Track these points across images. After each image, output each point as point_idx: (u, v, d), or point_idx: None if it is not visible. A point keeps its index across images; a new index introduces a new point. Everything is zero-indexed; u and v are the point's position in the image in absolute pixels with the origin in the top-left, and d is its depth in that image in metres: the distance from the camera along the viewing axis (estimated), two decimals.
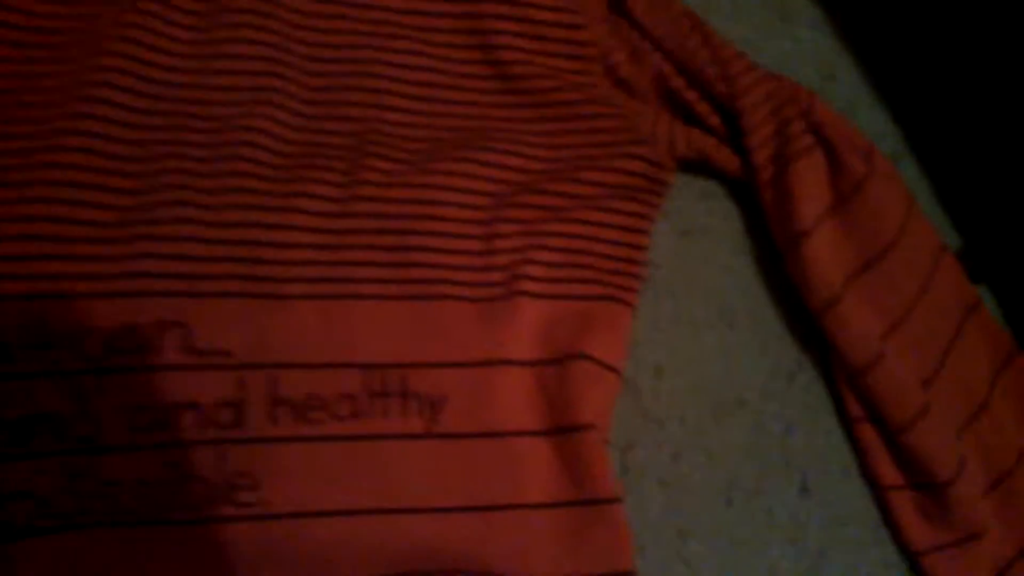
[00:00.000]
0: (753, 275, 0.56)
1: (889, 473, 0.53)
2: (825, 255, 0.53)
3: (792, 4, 0.64)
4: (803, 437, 0.53)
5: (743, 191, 0.57)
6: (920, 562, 0.52)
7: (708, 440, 0.52)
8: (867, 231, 0.54)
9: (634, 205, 0.54)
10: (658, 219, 0.55)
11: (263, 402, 0.45)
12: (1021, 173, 0.58)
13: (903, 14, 0.63)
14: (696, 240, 0.57)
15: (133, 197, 0.47)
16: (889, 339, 0.53)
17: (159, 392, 0.44)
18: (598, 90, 0.56)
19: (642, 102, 0.56)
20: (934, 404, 0.52)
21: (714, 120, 0.56)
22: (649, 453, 0.51)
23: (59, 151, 0.46)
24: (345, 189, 0.49)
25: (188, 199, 0.47)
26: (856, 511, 0.53)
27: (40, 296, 0.44)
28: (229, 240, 0.47)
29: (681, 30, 0.56)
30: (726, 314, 0.55)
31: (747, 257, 0.57)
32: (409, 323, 0.48)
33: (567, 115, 0.55)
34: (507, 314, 0.49)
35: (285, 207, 0.48)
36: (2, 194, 0.45)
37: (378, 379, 0.46)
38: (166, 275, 0.45)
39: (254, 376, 0.45)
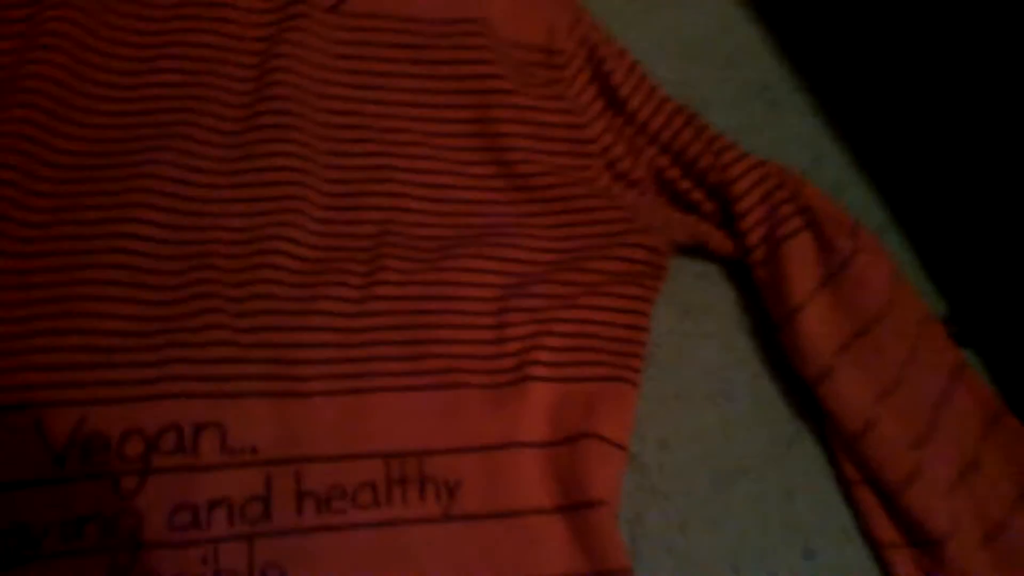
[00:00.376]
0: (750, 350, 0.59)
1: (887, 532, 0.55)
2: (817, 328, 0.56)
3: (780, 93, 0.68)
4: (804, 502, 0.56)
5: (737, 271, 0.61)
6: None
7: (713, 510, 0.55)
8: (856, 303, 0.57)
9: (635, 289, 0.57)
10: (658, 300, 0.58)
11: (289, 495, 0.48)
12: (1003, 241, 0.61)
13: (886, 97, 0.67)
14: (695, 319, 0.60)
15: (166, 308, 0.51)
16: (881, 404, 0.56)
17: (195, 490, 0.47)
18: (600, 184, 0.60)
19: (641, 193, 0.60)
20: (926, 464, 0.55)
21: (708, 207, 0.60)
22: (657, 524, 0.54)
23: (96, 268, 0.51)
24: (363, 290, 0.53)
25: (217, 307, 0.51)
26: (859, 572, 0.55)
27: (83, 404, 0.48)
28: (255, 344, 0.51)
29: (675, 125, 0.60)
30: (725, 388, 0.58)
31: (743, 334, 0.60)
32: (425, 411, 0.51)
33: (571, 209, 0.59)
34: (518, 398, 0.52)
35: (306, 310, 0.52)
36: (44, 309, 0.50)
37: (397, 467, 0.50)
38: (199, 378, 0.49)
39: (280, 471, 0.48)
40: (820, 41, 0.70)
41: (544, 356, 0.54)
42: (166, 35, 0.58)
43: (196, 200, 0.54)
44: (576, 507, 0.50)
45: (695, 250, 0.60)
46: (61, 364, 0.49)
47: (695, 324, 0.60)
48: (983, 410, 0.58)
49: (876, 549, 0.55)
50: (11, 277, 0.50)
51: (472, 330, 0.54)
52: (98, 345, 0.49)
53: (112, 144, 0.55)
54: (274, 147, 0.56)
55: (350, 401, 0.51)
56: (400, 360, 0.52)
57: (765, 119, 0.67)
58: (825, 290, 0.57)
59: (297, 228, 0.55)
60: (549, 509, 0.50)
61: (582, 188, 0.59)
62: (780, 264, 0.57)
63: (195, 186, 0.55)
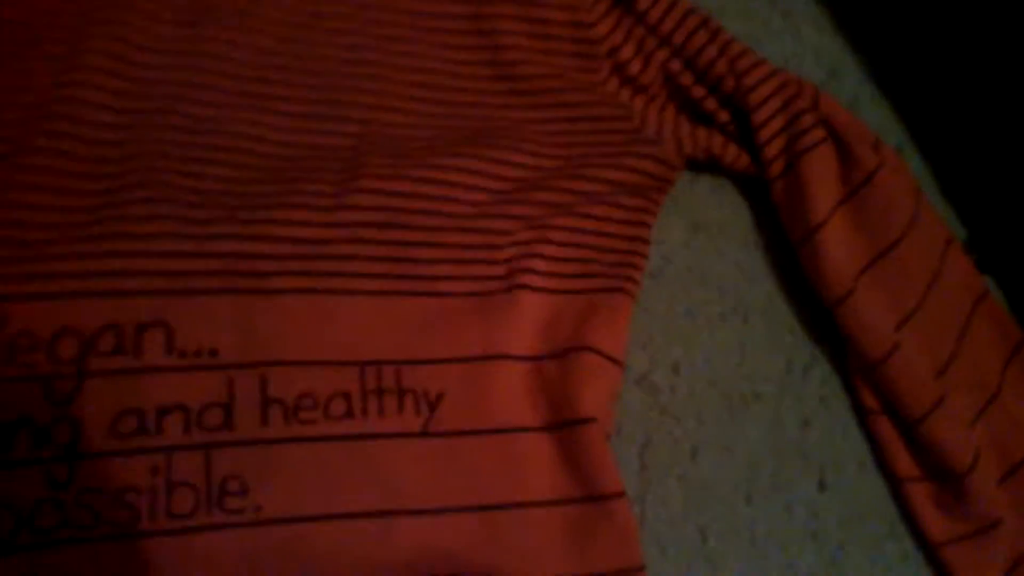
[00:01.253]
0: (765, 269, 0.56)
1: (905, 465, 0.52)
2: (838, 248, 0.53)
3: (794, 2, 0.64)
4: (820, 431, 0.53)
5: (752, 185, 0.57)
6: (938, 554, 0.51)
7: (726, 435, 0.52)
8: (878, 223, 0.54)
9: (639, 200, 0.53)
10: (669, 213, 0.55)
11: (253, 403, 0.43)
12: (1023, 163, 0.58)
13: (904, 10, 0.63)
14: (707, 235, 0.56)
15: (106, 196, 0.45)
16: (904, 330, 0.53)
17: (142, 395, 0.42)
18: (605, 88, 0.56)
19: (649, 99, 0.56)
20: (949, 394, 0.52)
21: (722, 116, 0.56)
22: (667, 449, 0.51)
23: (27, 152, 0.45)
24: (342, 185, 0.48)
25: (168, 196, 0.46)
26: (874, 505, 0.52)
27: (7, 298, 0.42)
28: (213, 235, 0.45)
29: (688, 27, 0.56)
30: (740, 308, 0.55)
31: (759, 251, 0.57)
32: (406, 318, 0.47)
33: (574, 115, 0.55)
34: (507, 308, 0.48)
35: (277, 204, 0.47)
36: None
37: (373, 376, 0.45)
38: (143, 273, 0.44)
39: (243, 376, 0.43)
40: None
41: (537, 264, 0.49)
42: None
43: (148, 82, 0.49)
44: (564, 425, 0.46)
45: (708, 163, 0.56)
46: None
47: (708, 239, 0.56)
48: (1005, 340, 0.56)
49: (893, 482, 0.53)
50: None
51: (460, 233, 0.49)
52: (24, 239, 0.43)
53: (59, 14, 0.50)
54: (237, 35, 0.52)
55: (322, 302, 0.46)
56: (380, 261, 0.47)
57: (778, 28, 0.63)
58: (847, 207, 0.54)
59: (269, 120, 0.50)
60: (535, 427, 0.46)
61: (587, 93, 0.55)
62: (800, 179, 0.54)
63: (142, 67, 0.49)
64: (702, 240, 0.56)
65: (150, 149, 0.47)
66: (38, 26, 0.49)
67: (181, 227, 0.45)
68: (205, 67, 0.50)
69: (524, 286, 0.48)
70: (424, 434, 0.45)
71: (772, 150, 0.55)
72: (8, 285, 0.42)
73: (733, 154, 0.55)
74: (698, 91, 0.56)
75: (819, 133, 0.54)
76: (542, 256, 0.50)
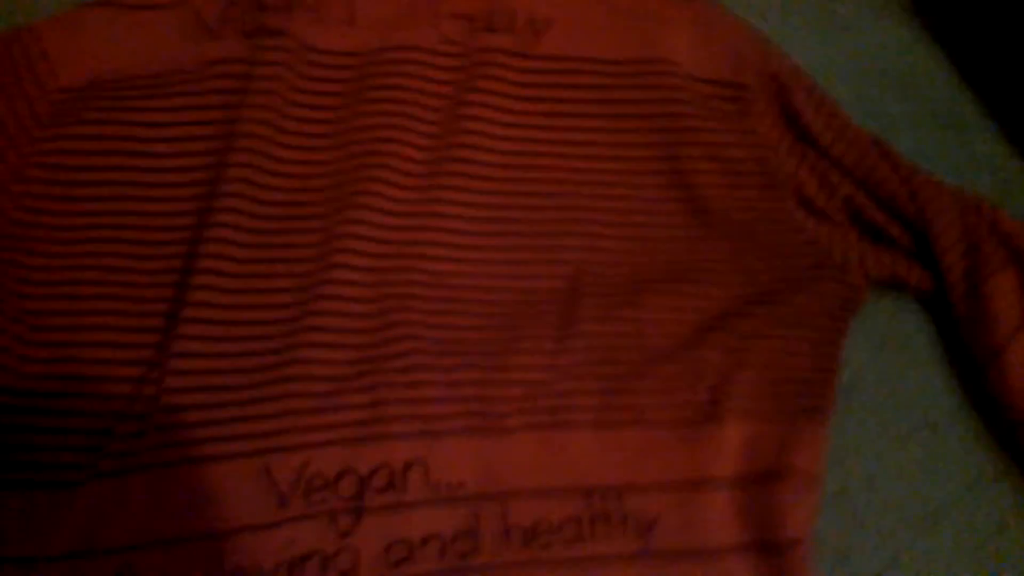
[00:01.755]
0: (951, 383, 0.59)
1: None
2: (1021, 371, 0.55)
3: (962, 116, 0.67)
4: (1017, 535, 0.55)
5: (936, 302, 0.60)
6: None
7: (923, 546, 0.54)
8: None
9: (829, 322, 0.57)
10: (854, 332, 0.59)
11: (496, 530, 0.49)
12: None
13: None
14: (893, 351, 0.60)
15: (373, 349, 0.53)
16: None
17: (409, 526, 0.49)
18: (791, 218, 0.60)
19: (835, 227, 0.60)
20: None
21: (904, 240, 0.59)
22: (865, 562, 0.54)
23: (311, 315, 0.54)
24: (561, 330, 0.55)
25: (421, 347, 0.53)
26: None
27: (307, 448, 0.50)
28: (455, 382, 0.53)
29: (869, 158, 0.60)
30: (929, 422, 0.58)
31: (944, 366, 0.60)
32: (622, 448, 0.52)
33: (764, 245, 0.59)
34: (712, 435, 0.53)
35: (508, 349, 0.54)
36: (267, 360, 0.53)
37: (598, 501, 0.51)
38: (406, 418, 0.51)
39: (487, 506, 0.50)
40: (999, 63, 0.68)
41: (737, 391, 0.54)
42: (360, 81, 0.60)
43: (392, 243, 0.56)
44: (771, 546, 0.50)
45: (892, 284, 0.60)
46: (286, 411, 0.51)
47: (894, 356, 0.60)
48: None
49: None
50: (231, 328, 0.53)
51: (665, 364, 0.55)
52: (317, 391, 0.52)
53: (314, 193, 0.58)
54: (463, 196, 0.58)
55: (550, 436, 0.52)
56: (596, 395, 0.53)
57: (948, 143, 0.66)
58: None
59: (494, 270, 0.57)
60: (743, 548, 0.51)
61: (775, 224, 0.60)
62: (982, 301, 0.57)
63: (388, 229, 0.57)
64: (888, 357, 0.59)
65: (399, 304, 0.55)
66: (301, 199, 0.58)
67: (432, 375, 0.52)
68: (437, 225, 0.57)
69: (725, 414, 0.53)
70: (642, 555, 0.50)
71: (954, 273, 0.58)
72: (307, 435, 0.50)
73: (916, 276, 0.59)
74: (880, 216, 0.60)
75: (1000, 254, 0.57)
76: (742, 382, 0.54)
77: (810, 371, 0.56)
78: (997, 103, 0.68)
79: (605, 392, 0.53)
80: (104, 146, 0.57)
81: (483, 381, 0.53)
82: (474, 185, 0.58)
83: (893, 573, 0.54)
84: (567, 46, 0.62)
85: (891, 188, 0.59)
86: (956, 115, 0.67)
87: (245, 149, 0.56)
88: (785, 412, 0.54)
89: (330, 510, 0.49)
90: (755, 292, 0.58)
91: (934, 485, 0.56)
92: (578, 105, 0.61)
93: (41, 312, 0.53)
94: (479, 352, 0.54)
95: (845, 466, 0.56)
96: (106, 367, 0.52)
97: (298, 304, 0.54)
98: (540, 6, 0.62)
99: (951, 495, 0.56)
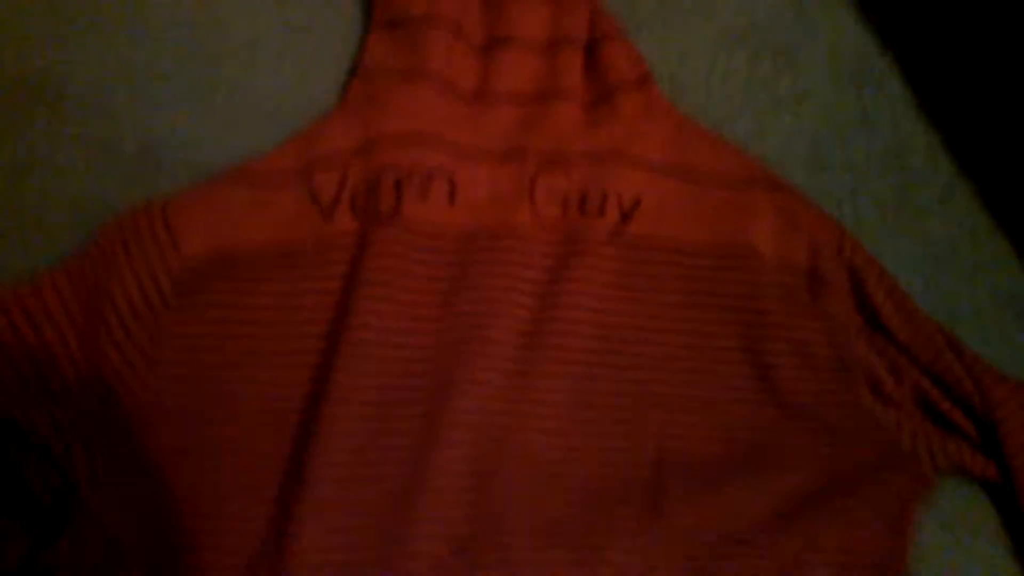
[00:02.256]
0: (1015, 569, 0.62)
1: None
2: None
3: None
4: None
5: (1000, 487, 0.63)
6: None
7: None
8: None
9: (899, 509, 0.60)
10: (921, 517, 0.62)
11: None
12: None
13: None
14: (957, 535, 0.63)
15: (461, 528, 0.57)
16: None
17: None
18: (863, 405, 0.63)
19: (903, 414, 0.63)
20: None
21: (969, 428, 0.62)
22: None
23: (412, 509, 0.57)
24: (647, 510, 0.58)
25: (514, 527, 0.58)
26: None
27: None
28: (551, 562, 0.57)
29: (934, 342, 0.63)
30: None
31: (1007, 551, 0.62)
32: None
33: (837, 433, 0.62)
34: None
35: (596, 532, 0.58)
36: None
37: None
38: None
39: None
40: None
41: (817, 573, 0.58)
42: (461, 264, 0.63)
43: (490, 425, 0.60)
44: None
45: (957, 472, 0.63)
46: None
47: (957, 540, 0.62)
48: None
49: None
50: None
51: (745, 549, 0.58)
52: (414, 571, 0.56)
53: (419, 377, 0.60)
54: (555, 379, 0.61)
55: None
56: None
57: (1014, 330, 0.69)
58: None
59: (582, 450, 0.60)
60: None
61: (847, 412, 0.63)
62: None
63: (487, 413, 0.60)
64: (950, 540, 0.62)
65: (496, 485, 0.58)
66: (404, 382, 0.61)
67: (526, 555, 0.56)
68: (530, 410, 0.61)
69: None
70: None
71: (1018, 462, 0.61)
72: None
73: (981, 464, 0.62)
74: (946, 405, 0.63)
75: None
76: (816, 565, 0.58)
77: (881, 555, 0.59)
78: None
79: (688, 573, 0.57)
80: (229, 330, 0.61)
81: (576, 562, 0.57)
82: (564, 368, 0.62)
83: None
84: (655, 229, 0.65)
85: (957, 378, 0.62)
86: (1022, 301, 0.70)
87: (360, 325, 0.60)
88: None
89: None
90: (829, 478, 0.61)
91: None
92: (664, 288, 0.64)
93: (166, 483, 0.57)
94: (570, 534, 0.58)
95: None
96: (215, 537, 0.56)
97: (402, 478, 0.58)
98: (629, 188, 0.66)
99: None
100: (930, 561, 0.61)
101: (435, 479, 0.57)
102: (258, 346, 0.61)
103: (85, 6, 0.68)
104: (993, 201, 0.71)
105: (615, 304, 0.63)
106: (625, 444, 0.61)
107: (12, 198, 0.65)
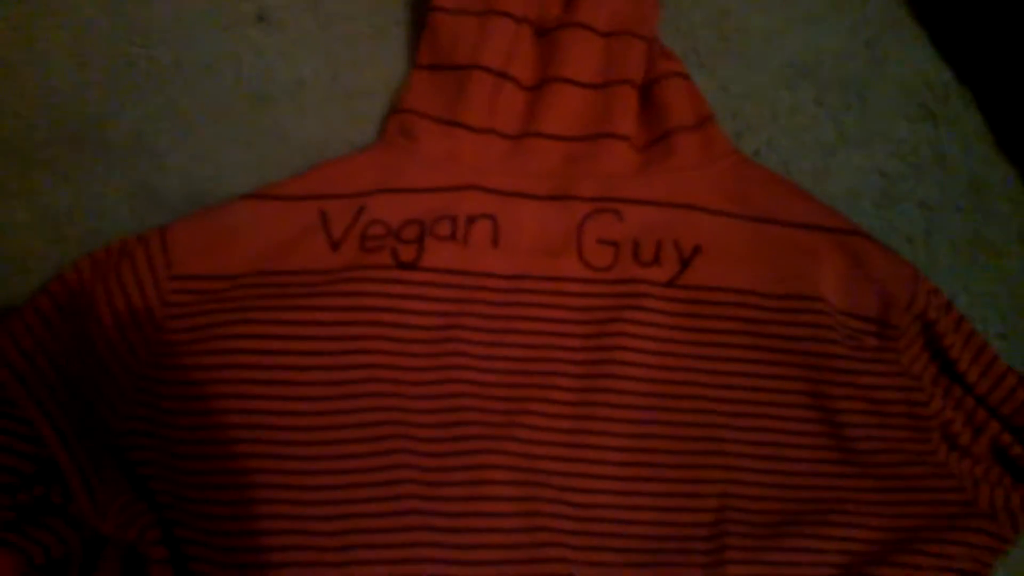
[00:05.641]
0: None
1: None
2: None
3: None
4: None
5: None
6: None
7: None
8: None
9: (973, 567, 0.59)
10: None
11: None
12: None
13: None
14: None
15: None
16: None
17: None
18: (937, 459, 0.61)
19: (981, 469, 0.61)
20: None
21: None
22: None
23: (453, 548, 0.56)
24: (709, 570, 0.57)
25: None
26: None
27: None
28: None
29: (1017, 399, 0.61)
30: None
31: None
32: None
33: (909, 487, 0.60)
34: None
35: None
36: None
37: None
38: None
39: None
40: None
41: None
42: (508, 307, 0.61)
43: (540, 472, 0.58)
44: None
45: None
46: None
47: None
48: None
49: None
50: None
51: None
52: None
53: (468, 427, 0.58)
54: (608, 427, 0.59)
55: None
56: None
57: None
58: None
59: (643, 502, 0.59)
60: None
61: (920, 466, 0.60)
62: None
63: (537, 459, 0.58)
64: None
65: (548, 539, 0.57)
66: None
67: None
68: (584, 456, 0.59)
69: None
70: None
71: None
72: None
73: None
74: None
75: None
76: None
77: None
78: None
79: None
80: (235, 361, 0.58)
81: None
82: (619, 414, 0.60)
83: None
84: (714, 277, 0.62)
85: None
86: None
87: (387, 379, 0.59)
88: None
89: None
90: (898, 534, 0.59)
91: None
92: (724, 336, 0.62)
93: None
94: None
95: None
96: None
97: (449, 531, 0.56)
98: (686, 234, 0.63)
99: None
100: None
101: (479, 536, 0.56)
102: (251, 375, 0.58)
103: (129, 50, 0.67)
104: None
105: (673, 353, 0.61)
106: (685, 497, 0.59)
107: (55, 246, 0.64)
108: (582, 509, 0.58)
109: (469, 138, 0.63)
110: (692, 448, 0.60)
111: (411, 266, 0.61)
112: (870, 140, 0.70)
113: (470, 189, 0.63)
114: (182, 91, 0.67)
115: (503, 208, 0.63)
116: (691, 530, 0.58)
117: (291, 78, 0.68)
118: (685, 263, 0.63)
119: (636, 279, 0.62)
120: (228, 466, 0.56)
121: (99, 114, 0.66)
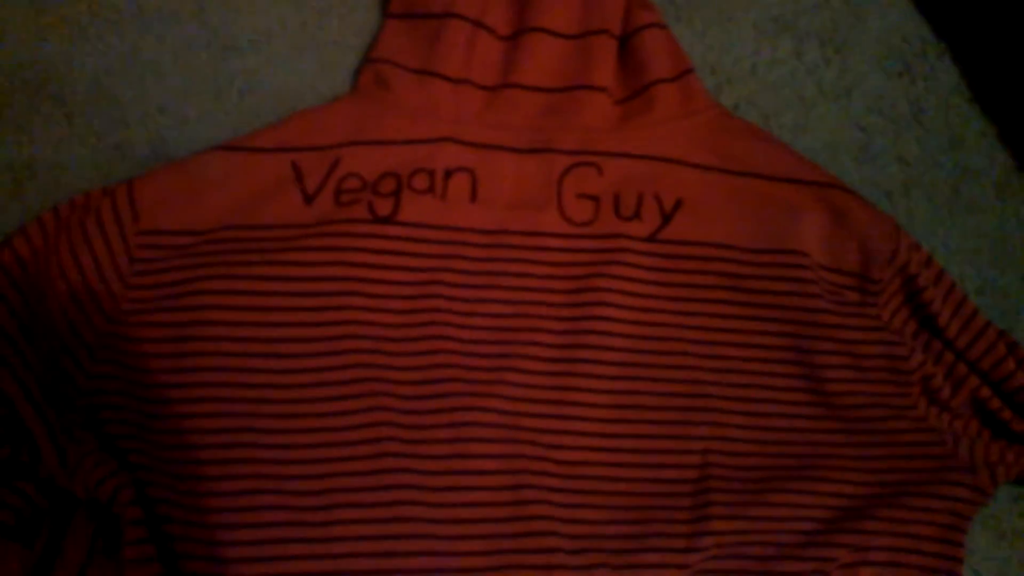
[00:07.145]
0: None
1: None
2: None
3: None
4: None
5: None
6: None
7: None
8: None
9: (952, 519, 0.59)
10: (975, 524, 0.60)
11: None
12: None
13: None
14: (1012, 545, 0.62)
15: (506, 541, 0.55)
16: None
17: None
18: (918, 413, 0.61)
19: (960, 423, 0.61)
20: None
21: None
22: None
23: (430, 506, 0.55)
24: (691, 525, 0.57)
25: (555, 545, 0.55)
26: None
27: None
28: None
29: (997, 353, 0.61)
30: None
31: None
32: None
33: (891, 442, 0.60)
34: None
35: (636, 548, 0.56)
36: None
37: None
38: None
39: None
40: None
41: None
42: (488, 262, 0.60)
43: (524, 429, 0.57)
44: None
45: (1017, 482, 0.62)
46: None
47: (1012, 550, 0.61)
48: None
49: None
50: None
51: (792, 562, 0.57)
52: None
53: (446, 384, 0.57)
54: (591, 383, 0.59)
55: None
56: None
57: None
58: None
59: (625, 459, 0.58)
60: None
61: (902, 420, 0.61)
62: None
63: (521, 415, 0.57)
64: (1006, 550, 0.61)
65: (534, 496, 0.56)
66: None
67: (567, 573, 0.54)
68: (567, 413, 0.58)
69: None
70: None
71: None
72: None
73: None
74: (1006, 414, 0.61)
75: None
76: None
77: (933, 567, 0.58)
78: None
79: None
80: (206, 317, 0.56)
81: (618, 572, 0.55)
82: (601, 370, 0.59)
83: None
84: (696, 231, 0.62)
85: (1019, 386, 0.61)
86: None
87: (351, 321, 0.57)
88: None
89: None
90: (880, 488, 0.59)
91: None
92: (706, 291, 0.61)
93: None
94: (612, 549, 0.56)
95: None
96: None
97: (433, 490, 0.55)
98: (667, 188, 0.62)
99: None
100: (984, 569, 0.61)
101: (463, 494, 0.55)
102: (223, 331, 0.56)
103: None
104: None
105: (656, 308, 0.60)
106: (669, 451, 0.58)
107: (14, 201, 0.61)
108: (566, 466, 0.57)
109: (445, 88, 0.61)
110: (675, 404, 0.59)
111: (388, 220, 0.59)
112: (849, 94, 0.69)
113: (447, 141, 0.61)
114: (144, 39, 0.64)
115: (481, 161, 0.61)
116: (675, 486, 0.58)
117: (258, 27, 0.66)
118: (667, 217, 0.62)
119: (617, 234, 0.61)
120: (201, 425, 0.54)
121: (58, 62, 0.63)
